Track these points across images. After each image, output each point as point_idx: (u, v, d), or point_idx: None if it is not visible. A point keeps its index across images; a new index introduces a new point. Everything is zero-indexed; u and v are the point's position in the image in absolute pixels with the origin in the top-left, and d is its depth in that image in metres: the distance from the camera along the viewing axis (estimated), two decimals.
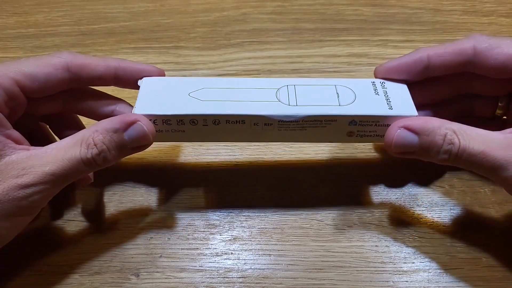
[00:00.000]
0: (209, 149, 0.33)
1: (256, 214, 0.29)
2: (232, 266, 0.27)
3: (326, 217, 0.29)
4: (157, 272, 0.27)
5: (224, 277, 0.27)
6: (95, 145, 0.23)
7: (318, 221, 0.29)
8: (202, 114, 0.25)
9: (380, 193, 0.30)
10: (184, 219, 0.29)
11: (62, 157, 0.23)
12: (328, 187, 0.31)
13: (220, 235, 0.28)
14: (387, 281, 0.26)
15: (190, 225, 0.29)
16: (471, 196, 0.30)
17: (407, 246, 0.28)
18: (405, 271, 0.27)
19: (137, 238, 0.28)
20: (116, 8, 0.46)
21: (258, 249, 0.28)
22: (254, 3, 0.46)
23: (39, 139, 0.29)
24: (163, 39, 0.42)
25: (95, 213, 0.30)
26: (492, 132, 0.24)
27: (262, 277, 0.27)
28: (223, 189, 0.31)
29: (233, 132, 0.26)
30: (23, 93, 0.25)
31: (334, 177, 0.31)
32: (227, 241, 0.28)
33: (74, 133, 0.24)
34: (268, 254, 0.27)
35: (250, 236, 0.28)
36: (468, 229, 0.28)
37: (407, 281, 0.26)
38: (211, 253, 0.28)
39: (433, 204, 0.30)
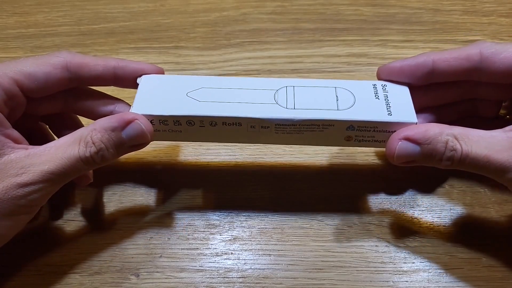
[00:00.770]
0: (209, 149, 0.33)
1: (256, 214, 0.29)
2: (232, 266, 0.27)
3: (326, 217, 0.29)
4: (157, 272, 0.27)
5: (224, 277, 0.27)
6: (93, 143, 0.23)
7: (318, 221, 0.29)
8: (198, 116, 0.25)
9: (380, 193, 0.30)
10: (184, 219, 0.29)
11: (61, 156, 0.23)
12: (328, 187, 0.31)
13: (220, 235, 0.28)
14: (387, 281, 0.26)
15: (190, 225, 0.29)
16: (471, 196, 0.30)
17: (407, 246, 0.28)
18: (405, 271, 0.27)
19: (137, 238, 0.28)
20: (116, 8, 0.46)
21: (258, 249, 0.28)
22: (254, 3, 0.46)
23: (38, 139, 0.29)
24: (163, 39, 0.42)
25: (95, 213, 0.30)
26: (494, 132, 0.23)
27: (262, 277, 0.27)
28: (223, 189, 0.31)
29: (230, 133, 0.26)
30: (22, 93, 0.25)
31: (334, 177, 0.31)
32: (227, 241, 0.28)
33: None
34: (268, 254, 0.27)
35: (250, 236, 0.28)
36: (468, 229, 0.28)
37: (407, 281, 0.26)
38: (211, 253, 0.28)
39: (433, 204, 0.30)
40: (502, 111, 0.29)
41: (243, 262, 0.27)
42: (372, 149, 0.33)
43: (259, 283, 0.26)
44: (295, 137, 0.26)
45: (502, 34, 0.42)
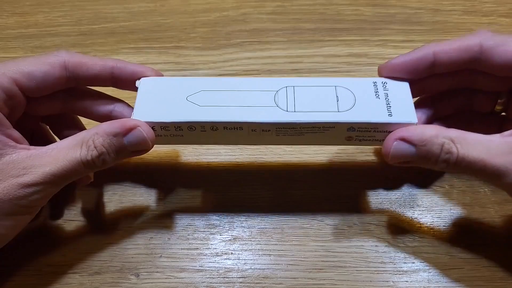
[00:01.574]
0: (209, 149, 0.33)
1: (256, 214, 0.29)
2: (232, 266, 0.27)
3: (326, 217, 0.29)
4: (157, 272, 0.27)
5: (224, 277, 0.27)
6: (95, 147, 0.23)
7: (318, 221, 0.29)
8: (200, 121, 0.25)
9: (380, 193, 0.30)
10: (184, 219, 0.29)
11: (63, 158, 0.23)
12: (328, 187, 0.31)
13: (220, 235, 0.28)
14: (387, 281, 0.26)
15: (190, 225, 0.29)
16: (471, 196, 0.30)
17: (407, 246, 0.28)
18: (405, 271, 0.27)
19: (137, 238, 0.28)
20: (116, 8, 0.46)
21: (258, 249, 0.28)
22: (254, 3, 0.46)
23: (40, 140, 0.29)
24: (163, 39, 0.42)
25: (95, 213, 0.30)
26: (491, 136, 0.23)
27: (262, 277, 0.27)
28: (223, 189, 0.31)
29: (232, 136, 0.26)
30: (21, 92, 0.25)
31: (334, 177, 0.31)
32: (227, 241, 0.28)
33: (74, 133, 0.24)
34: (268, 254, 0.27)
35: (250, 236, 0.28)
36: (468, 229, 0.28)
37: (407, 281, 0.26)
38: (211, 253, 0.28)
39: (433, 204, 0.30)
40: (497, 107, 0.29)
41: (243, 262, 0.27)
42: (372, 149, 0.33)
43: (259, 283, 0.26)
44: (296, 138, 0.26)
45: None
